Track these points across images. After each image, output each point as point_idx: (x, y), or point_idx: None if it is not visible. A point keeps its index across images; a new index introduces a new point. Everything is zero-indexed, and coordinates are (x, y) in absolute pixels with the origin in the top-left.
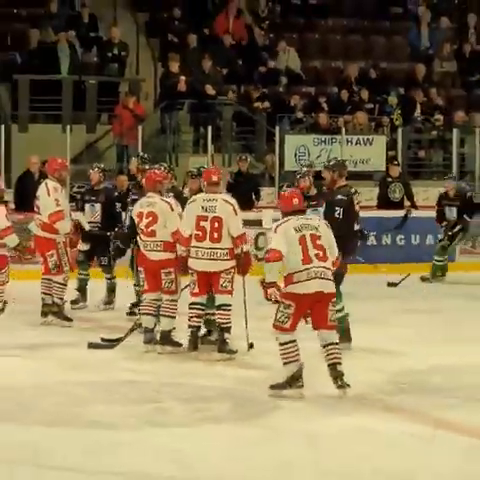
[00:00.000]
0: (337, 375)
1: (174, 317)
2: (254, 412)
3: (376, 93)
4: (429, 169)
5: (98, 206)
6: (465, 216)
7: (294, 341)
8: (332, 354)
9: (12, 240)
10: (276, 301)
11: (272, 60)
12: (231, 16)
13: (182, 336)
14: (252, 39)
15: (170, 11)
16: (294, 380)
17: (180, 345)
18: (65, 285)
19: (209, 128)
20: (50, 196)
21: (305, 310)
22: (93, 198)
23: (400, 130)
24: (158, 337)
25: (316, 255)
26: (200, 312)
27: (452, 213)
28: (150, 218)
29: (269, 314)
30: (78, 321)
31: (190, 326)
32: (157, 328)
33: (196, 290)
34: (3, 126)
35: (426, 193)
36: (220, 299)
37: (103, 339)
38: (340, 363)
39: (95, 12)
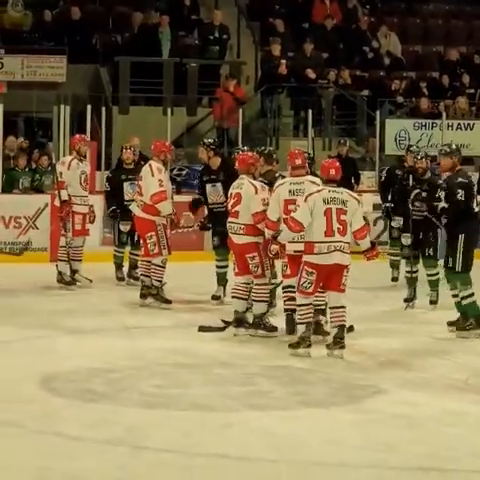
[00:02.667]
0: (341, 336)
1: (266, 301)
2: (353, 396)
3: (478, 78)
4: None
5: (219, 186)
6: None
7: (309, 304)
8: (339, 316)
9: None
10: (275, 255)
11: (374, 44)
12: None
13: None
14: (354, 23)
15: None
16: (304, 340)
17: (275, 329)
18: (163, 267)
19: (309, 112)
20: (154, 176)
21: (324, 277)
22: (213, 177)
23: None
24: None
25: (338, 229)
26: (294, 295)
27: None
28: (235, 199)
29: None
30: (176, 303)
31: (286, 310)
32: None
33: (288, 272)
34: (104, 108)
35: None
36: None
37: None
38: (345, 325)
39: None
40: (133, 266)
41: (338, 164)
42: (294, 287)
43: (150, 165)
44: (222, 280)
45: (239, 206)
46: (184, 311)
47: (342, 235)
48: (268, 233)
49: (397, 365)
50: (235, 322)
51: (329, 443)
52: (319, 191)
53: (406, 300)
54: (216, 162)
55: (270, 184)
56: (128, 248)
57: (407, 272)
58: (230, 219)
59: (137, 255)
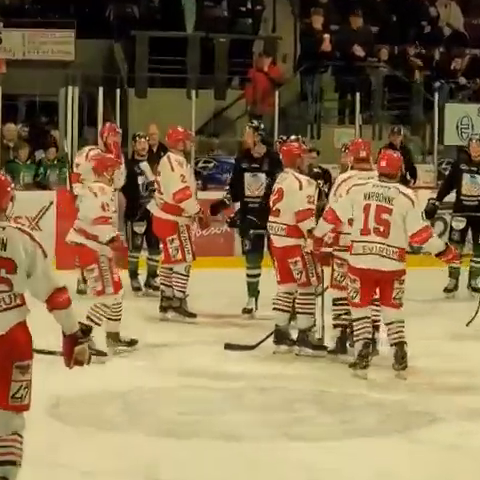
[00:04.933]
0: (402, 354)
1: (312, 314)
2: (407, 424)
3: None
4: None
5: (262, 177)
6: None
7: (364, 318)
8: (396, 333)
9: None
10: (310, 254)
11: (431, 15)
12: None
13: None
14: None
15: None
16: (360, 359)
17: (324, 348)
18: (187, 276)
19: (357, 95)
20: (174, 171)
21: (372, 285)
22: (255, 166)
23: None
24: (295, 337)
25: (375, 229)
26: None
27: None
28: (277, 195)
29: None
30: (201, 317)
31: (336, 325)
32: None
33: (343, 283)
34: (118, 90)
35: None
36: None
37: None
38: (404, 342)
39: None
40: (152, 274)
41: (395, 155)
42: (346, 299)
43: (169, 158)
44: (254, 291)
45: (280, 203)
46: (211, 326)
47: (382, 236)
48: (328, 236)
49: (457, 390)
50: (276, 338)
51: (379, 477)
52: (363, 184)
53: (447, 290)
54: (261, 150)
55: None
56: (144, 253)
57: None
58: (271, 218)
59: (156, 261)
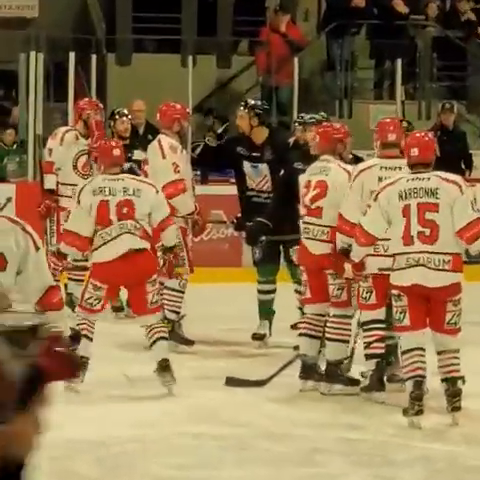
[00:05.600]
0: (455, 393)
1: (347, 341)
2: None
3: None
4: None
5: (263, 167)
6: None
7: (416, 349)
8: (447, 366)
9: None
10: (349, 279)
11: None
12: None
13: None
14: None
15: None
16: (412, 403)
17: (357, 383)
18: (182, 292)
19: (398, 62)
20: (166, 158)
21: (422, 302)
22: (255, 154)
23: None
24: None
25: (419, 235)
26: (382, 332)
27: None
28: (318, 189)
29: None
30: (201, 345)
31: (370, 356)
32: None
33: (373, 300)
34: (94, 56)
35: None
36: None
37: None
38: (457, 377)
39: None
40: None
41: (428, 139)
42: (379, 322)
43: (159, 142)
44: (267, 311)
45: (323, 200)
46: (212, 356)
47: (429, 243)
48: (341, 242)
49: None
50: (302, 372)
51: None
52: (393, 183)
53: None
54: (261, 134)
55: None
56: None
57: None
58: (308, 218)
59: None
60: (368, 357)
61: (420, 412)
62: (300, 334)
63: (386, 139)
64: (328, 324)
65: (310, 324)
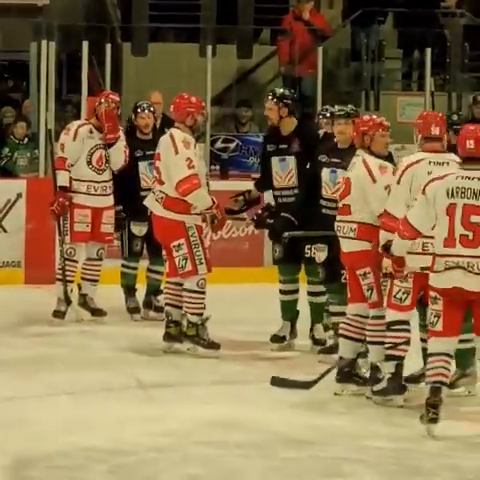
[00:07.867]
0: None
1: (383, 343)
2: None
3: None
4: None
5: (290, 160)
6: None
7: (443, 355)
8: None
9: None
10: (388, 275)
11: None
12: None
13: None
14: None
15: None
16: (427, 409)
17: (404, 389)
18: (202, 293)
19: (427, 52)
20: (179, 153)
21: (460, 307)
22: (283, 147)
23: None
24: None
25: (462, 238)
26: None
27: None
28: (343, 186)
29: None
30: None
31: (390, 357)
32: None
33: (407, 302)
34: (109, 46)
35: None
36: None
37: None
38: None
39: None
40: (153, 291)
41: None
42: (407, 324)
43: (172, 136)
44: (288, 312)
45: (348, 197)
46: (232, 360)
47: (472, 246)
48: (383, 237)
49: None
50: (339, 375)
51: None
52: (443, 177)
53: None
54: (290, 125)
55: None
56: (144, 263)
57: None
58: (339, 216)
59: (160, 273)
60: (389, 358)
61: (433, 420)
62: (340, 334)
63: (429, 133)
64: (367, 327)
65: (349, 325)
